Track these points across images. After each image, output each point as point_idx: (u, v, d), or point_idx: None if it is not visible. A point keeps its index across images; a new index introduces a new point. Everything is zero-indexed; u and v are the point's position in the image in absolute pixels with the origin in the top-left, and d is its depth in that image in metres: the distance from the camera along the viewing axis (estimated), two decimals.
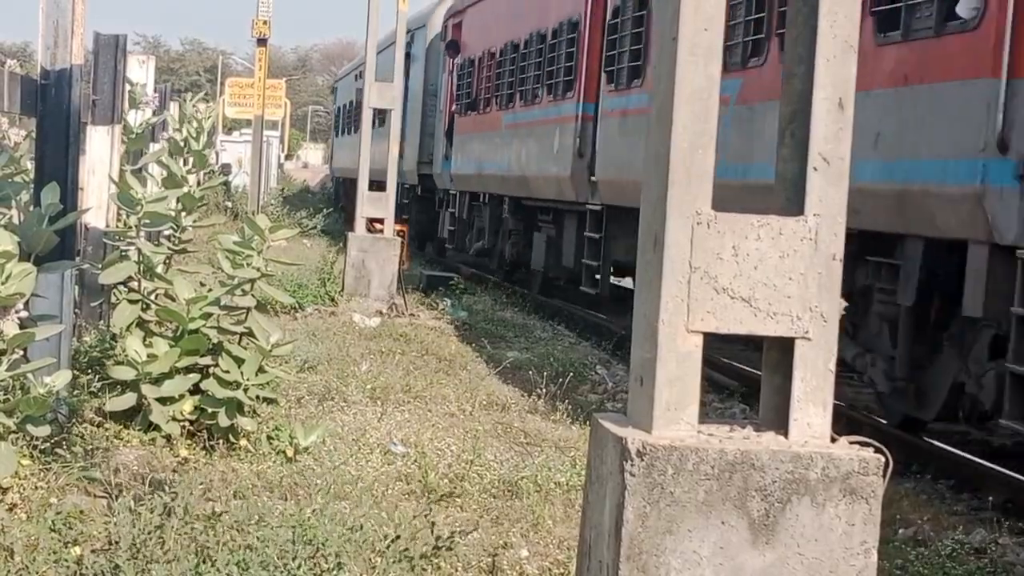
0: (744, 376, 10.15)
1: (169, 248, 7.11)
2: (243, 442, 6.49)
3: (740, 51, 11.37)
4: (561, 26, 17.30)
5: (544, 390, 9.38)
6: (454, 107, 20.78)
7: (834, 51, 2.99)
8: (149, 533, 4.26)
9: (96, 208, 7.27)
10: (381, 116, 19.84)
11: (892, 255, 9.54)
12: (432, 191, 23.53)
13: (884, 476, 2.99)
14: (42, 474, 4.88)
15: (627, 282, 17.55)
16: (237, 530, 4.56)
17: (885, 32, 9.86)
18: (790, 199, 3.00)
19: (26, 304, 4.39)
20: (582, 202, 16.65)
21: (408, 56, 24.26)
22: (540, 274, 19.52)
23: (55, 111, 6.34)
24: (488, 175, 17.97)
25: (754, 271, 2.97)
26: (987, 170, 8.52)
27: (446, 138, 20.91)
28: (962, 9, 8.88)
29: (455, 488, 6.21)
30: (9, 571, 3.64)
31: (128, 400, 6.36)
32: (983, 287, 8.31)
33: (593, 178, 16.23)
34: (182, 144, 7.47)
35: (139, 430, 6.36)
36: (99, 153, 7.36)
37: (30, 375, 4.10)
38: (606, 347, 13.58)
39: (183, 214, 7.17)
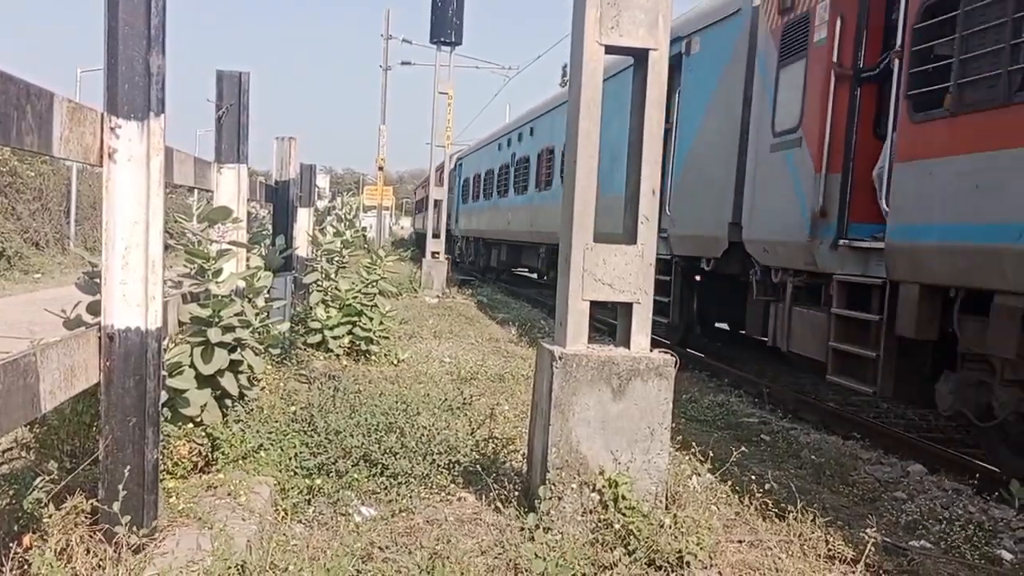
0: (608, 323, 9.99)
1: (336, 265, 7.00)
2: (372, 357, 6.42)
3: None
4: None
5: (516, 331, 9.33)
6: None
7: (651, 166, 2.97)
8: (327, 399, 4.22)
9: (301, 246, 7.18)
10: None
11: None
12: None
13: (675, 368, 2.99)
14: (276, 372, 4.84)
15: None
16: (369, 397, 4.50)
17: None
18: (631, 237, 2.99)
19: (268, 291, 4.34)
20: None
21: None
22: None
23: (281, 200, 6.30)
24: None
25: (614, 271, 2.98)
26: None
27: None
28: None
29: (474, 376, 6.18)
30: (262, 417, 3.60)
31: (317, 337, 6.33)
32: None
33: None
34: (343, 216, 7.37)
35: (322, 352, 6.29)
36: (302, 220, 7.29)
37: (271, 324, 4.05)
38: (544, 310, 13.45)
39: (344, 249, 7.06)
